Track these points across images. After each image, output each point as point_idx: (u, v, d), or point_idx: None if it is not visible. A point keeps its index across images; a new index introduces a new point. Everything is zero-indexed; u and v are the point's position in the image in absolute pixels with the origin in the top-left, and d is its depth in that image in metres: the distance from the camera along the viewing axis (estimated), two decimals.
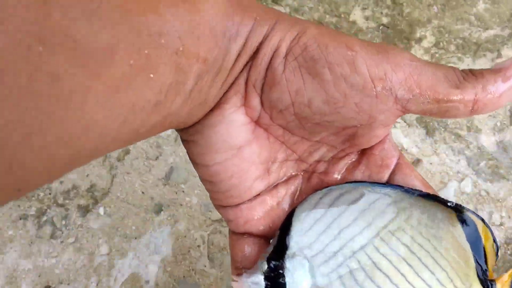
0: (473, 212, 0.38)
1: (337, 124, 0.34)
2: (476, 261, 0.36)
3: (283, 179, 0.38)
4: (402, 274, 0.34)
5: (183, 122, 0.33)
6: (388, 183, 0.39)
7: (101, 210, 0.99)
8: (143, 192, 1.00)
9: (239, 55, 0.32)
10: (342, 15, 1.19)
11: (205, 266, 0.94)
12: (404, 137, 1.07)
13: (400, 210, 0.37)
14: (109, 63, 0.25)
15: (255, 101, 0.34)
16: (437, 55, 1.13)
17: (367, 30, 1.18)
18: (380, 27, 1.17)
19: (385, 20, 1.18)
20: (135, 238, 0.98)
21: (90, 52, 0.24)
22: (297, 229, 0.36)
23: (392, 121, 0.35)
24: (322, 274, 0.35)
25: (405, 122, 1.08)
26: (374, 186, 0.38)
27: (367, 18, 1.18)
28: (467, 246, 0.36)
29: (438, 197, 0.38)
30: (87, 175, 1.02)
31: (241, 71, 0.33)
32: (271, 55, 0.32)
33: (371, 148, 0.38)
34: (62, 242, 0.97)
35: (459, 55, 1.13)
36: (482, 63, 1.13)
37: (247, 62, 0.33)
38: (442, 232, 0.36)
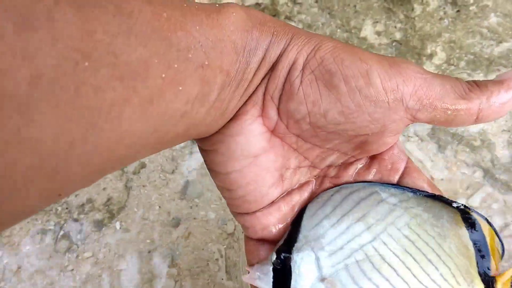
0: (478, 213, 0.40)
1: (350, 132, 0.35)
2: (479, 259, 0.38)
3: (296, 186, 0.40)
4: (407, 268, 0.36)
5: (204, 131, 0.34)
6: (397, 184, 0.41)
7: (117, 225, 0.99)
8: (159, 206, 1.01)
9: (258, 68, 0.34)
10: (353, 30, 1.21)
11: (222, 279, 0.94)
12: (419, 151, 1.08)
13: (407, 209, 0.39)
14: (144, 76, 0.27)
15: (272, 111, 0.35)
16: (447, 71, 1.15)
17: (379, 47, 1.20)
18: (393, 43, 1.19)
19: (397, 35, 1.19)
20: (149, 252, 0.98)
21: (128, 66, 0.26)
22: (307, 223, 0.38)
23: (402, 129, 0.37)
24: (328, 265, 0.37)
25: (417, 136, 1.09)
26: (383, 186, 0.40)
27: (379, 34, 1.20)
28: (470, 245, 0.38)
29: (444, 198, 0.40)
30: (104, 189, 1.03)
31: (260, 83, 0.35)
32: (289, 68, 0.34)
33: (381, 153, 0.40)
34: (77, 256, 0.97)
35: (469, 71, 1.14)
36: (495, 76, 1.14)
37: (266, 75, 0.35)
38: (446, 231, 0.38)
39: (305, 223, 0.38)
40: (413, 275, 0.36)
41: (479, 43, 1.16)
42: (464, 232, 0.39)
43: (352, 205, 0.39)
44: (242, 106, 0.35)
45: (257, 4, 1.19)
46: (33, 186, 0.23)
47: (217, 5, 0.33)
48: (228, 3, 0.34)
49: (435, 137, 1.08)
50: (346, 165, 0.41)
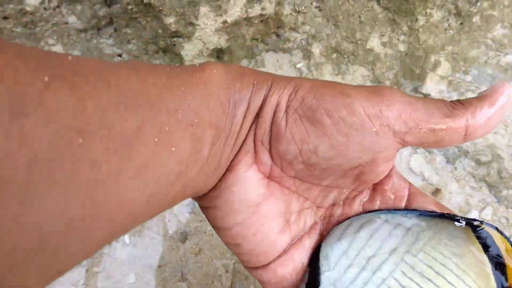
0: (488, 224, 0.40)
1: (344, 166, 0.36)
2: (495, 273, 0.38)
3: (305, 230, 0.40)
4: None
5: (200, 189, 0.34)
6: (406, 209, 0.41)
7: (127, 239, 1.00)
8: (169, 220, 1.02)
9: (244, 117, 0.35)
10: (359, 42, 1.21)
11: None
12: (426, 165, 1.09)
13: (420, 234, 0.39)
14: (137, 144, 0.27)
15: (265, 156, 0.36)
16: (454, 83, 1.15)
17: (385, 59, 1.20)
18: (398, 55, 1.20)
19: (402, 47, 1.20)
20: (160, 267, 0.99)
21: (121, 136, 0.26)
22: (325, 264, 0.38)
23: (394, 155, 0.38)
24: None
25: (426, 150, 1.10)
26: (392, 213, 0.40)
27: (384, 45, 1.21)
28: (486, 260, 0.38)
29: (452, 215, 0.40)
30: None
31: (248, 132, 0.35)
32: (273, 112, 0.35)
33: (381, 184, 0.40)
34: (87, 270, 0.98)
35: (476, 84, 1.15)
36: None
37: (253, 122, 0.35)
38: (461, 249, 0.38)
39: (323, 263, 0.38)
40: None
41: (485, 55, 1.17)
42: (478, 247, 0.39)
43: (367, 238, 0.39)
44: (234, 157, 0.35)
45: (261, 15, 1.19)
46: (33, 266, 0.23)
47: (197, 64, 0.34)
48: (208, 61, 0.35)
49: (443, 149, 1.09)
50: (349, 201, 0.41)
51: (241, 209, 0.36)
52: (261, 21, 1.20)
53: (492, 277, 0.37)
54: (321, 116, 0.33)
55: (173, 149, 0.29)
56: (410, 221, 0.39)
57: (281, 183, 0.37)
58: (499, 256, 0.38)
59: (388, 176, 0.41)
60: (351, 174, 0.37)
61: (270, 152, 0.36)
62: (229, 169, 0.35)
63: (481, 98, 0.35)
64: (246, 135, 0.35)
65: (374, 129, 0.34)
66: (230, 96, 0.33)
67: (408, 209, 0.41)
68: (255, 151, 0.35)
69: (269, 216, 0.37)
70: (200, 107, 0.31)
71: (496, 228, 0.40)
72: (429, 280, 0.37)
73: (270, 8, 1.21)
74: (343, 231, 0.39)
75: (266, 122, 0.35)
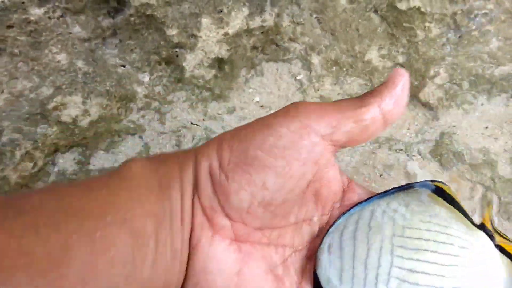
0: (440, 181, 0.43)
1: (297, 190, 0.36)
2: (464, 215, 0.42)
3: (298, 275, 0.39)
4: (431, 262, 0.38)
5: (168, 283, 0.33)
6: (368, 198, 0.43)
7: None
8: None
9: (182, 195, 0.35)
10: (358, 55, 1.24)
11: None
12: (420, 170, 1.10)
13: (393, 213, 0.41)
14: (68, 259, 0.27)
15: (222, 220, 0.36)
16: (450, 92, 1.18)
17: (383, 70, 1.22)
18: (397, 66, 1.22)
19: (400, 59, 1.22)
20: None
21: (47, 258, 0.26)
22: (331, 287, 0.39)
23: (333, 159, 0.38)
24: None
25: (419, 155, 1.12)
26: (360, 206, 0.42)
27: (383, 57, 1.23)
28: (452, 209, 0.41)
29: (410, 184, 0.43)
30: None
31: (193, 206, 0.35)
32: (210, 175, 0.35)
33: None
34: None
35: (473, 92, 1.17)
36: (496, 100, 1.17)
37: (193, 196, 0.35)
38: (433, 208, 0.41)
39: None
40: (440, 265, 0.38)
41: (481, 67, 1.19)
42: (441, 201, 0.42)
43: (352, 244, 0.40)
44: (191, 237, 0.35)
45: (262, 27, 1.22)
46: None
47: (119, 166, 0.35)
48: (126, 160, 0.36)
49: (437, 155, 1.11)
50: (326, 226, 0.42)
51: (223, 282, 0.35)
52: (262, 32, 1.23)
53: (465, 219, 0.41)
54: (254, 153, 0.34)
55: (111, 252, 0.29)
56: (379, 208, 0.41)
57: (252, 241, 0.36)
58: (456, 201, 0.42)
59: (350, 189, 0.42)
60: (309, 198, 0.38)
61: (224, 212, 0.35)
62: (192, 251, 0.35)
63: (384, 83, 0.38)
64: (192, 210, 0.35)
65: (305, 141, 0.35)
66: (159, 182, 0.34)
67: (364, 200, 0.42)
68: (209, 220, 0.35)
69: (256, 279, 0.36)
70: (129, 202, 0.32)
71: (438, 181, 0.43)
72: (426, 250, 0.38)
73: (270, 20, 1.24)
74: (328, 250, 0.40)
75: (207, 188, 0.35)
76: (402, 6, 1.24)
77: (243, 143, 0.34)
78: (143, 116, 1.17)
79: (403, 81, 0.38)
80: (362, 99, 0.38)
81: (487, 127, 1.13)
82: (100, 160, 1.08)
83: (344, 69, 1.24)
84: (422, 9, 1.21)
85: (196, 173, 0.35)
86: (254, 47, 1.25)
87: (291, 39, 1.28)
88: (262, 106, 1.21)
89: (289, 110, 0.36)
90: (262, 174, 0.34)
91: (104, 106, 1.14)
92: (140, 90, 1.19)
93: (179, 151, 0.36)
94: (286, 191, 0.35)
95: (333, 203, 0.40)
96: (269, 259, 0.37)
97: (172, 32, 1.20)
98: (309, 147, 0.35)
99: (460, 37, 1.22)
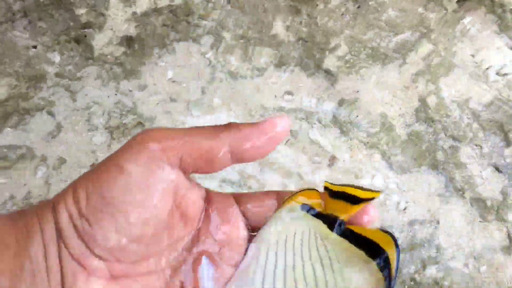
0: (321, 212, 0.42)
1: (163, 217, 0.36)
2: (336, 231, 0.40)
3: None
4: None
5: None
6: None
7: None
8: None
9: (45, 246, 0.34)
10: (264, 30, 1.32)
11: None
12: (320, 136, 1.20)
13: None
14: None
15: (95, 262, 0.35)
16: (349, 61, 1.27)
17: (288, 43, 1.31)
18: (300, 41, 1.31)
19: (304, 31, 1.31)
20: None
21: None
22: None
23: (187, 181, 0.37)
24: None
25: (320, 122, 1.21)
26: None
27: (287, 30, 1.32)
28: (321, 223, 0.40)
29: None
30: (24, 185, 1.10)
31: (61, 256, 0.34)
32: (71, 224, 0.34)
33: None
34: None
35: (370, 61, 1.28)
36: (391, 67, 1.27)
37: (59, 246, 0.34)
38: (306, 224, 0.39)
39: None
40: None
41: (378, 35, 1.30)
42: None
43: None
44: (63, 285, 0.34)
45: (170, 5, 1.29)
46: None
47: None
48: None
49: (338, 123, 1.20)
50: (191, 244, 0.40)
51: None
52: (171, 11, 1.30)
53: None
54: (110, 195, 0.34)
55: None
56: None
57: (131, 274, 0.37)
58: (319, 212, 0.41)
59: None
60: (176, 220, 0.37)
61: (95, 255, 0.35)
62: None
63: (253, 124, 0.36)
64: (60, 260, 0.34)
65: (156, 174, 0.35)
66: (16, 237, 0.33)
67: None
68: (82, 265, 0.34)
69: None
70: None
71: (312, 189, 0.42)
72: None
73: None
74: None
75: (72, 236, 0.34)
76: None
77: (96, 187, 0.34)
78: (53, 94, 1.22)
79: (270, 127, 0.36)
80: (215, 130, 0.36)
81: (384, 93, 1.23)
82: (8, 137, 1.12)
83: (252, 42, 1.32)
84: None
85: (57, 223, 0.34)
86: (165, 26, 1.31)
87: (202, 17, 1.35)
88: (174, 81, 1.28)
89: (134, 144, 0.35)
90: (123, 213, 0.34)
91: (13, 86, 1.19)
92: (51, 70, 1.24)
93: (37, 204, 0.38)
94: (154, 222, 0.35)
95: (199, 218, 0.39)
96: (152, 286, 0.37)
97: (81, 11, 1.25)
98: (162, 178, 0.35)
99: (358, 7, 1.32)
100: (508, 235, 1.05)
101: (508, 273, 1.02)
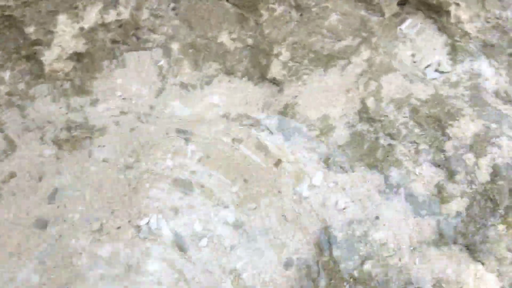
0: None
1: None
2: None
3: None
4: None
5: None
6: None
7: None
8: (27, 213, 1.13)
9: None
10: (212, 39, 1.37)
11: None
12: (267, 142, 1.24)
13: None
14: None
15: None
16: (293, 68, 1.32)
17: (234, 52, 1.36)
18: (247, 47, 1.36)
19: (250, 41, 1.36)
20: (19, 254, 1.09)
21: None
22: None
23: None
24: None
25: (268, 129, 1.26)
26: None
27: (234, 40, 1.36)
28: None
29: None
30: None
31: None
32: None
33: None
34: None
35: (311, 67, 1.32)
36: (333, 71, 1.32)
37: None
38: None
39: None
40: None
41: (321, 41, 1.34)
42: None
43: None
44: None
45: (118, 20, 1.33)
46: None
47: None
48: None
49: (281, 128, 1.25)
50: None
51: None
52: (119, 26, 1.34)
53: None
54: None
55: None
56: None
57: None
58: None
59: None
60: None
61: None
62: None
63: None
64: None
65: None
66: None
67: None
68: None
69: None
70: None
71: None
72: None
73: (126, 13, 1.35)
74: None
75: None
76: None
77: None
78: (4, 113, 1.26)
79: None
80: None
81: (326, 97, 1.28)
82: None
83: (201, 53, 1.37)
84: None
85: None
86: (114, 41, 1.36)
87: (151, 30, 1.39)
88: (124, 98, 1.33)
89: None
90: None
91: None
92: (2, 88, 1.28)
93: None
94: None
95: None
96: None
97: (30, 30, 1.29)
98: None
99: (301, 15, 1.37)
100: (440, 228, 1.09)
101: (440, 265, 1.06)
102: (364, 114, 1.25)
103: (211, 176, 1.20)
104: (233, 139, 1.25)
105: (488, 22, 1.32)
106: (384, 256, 1.08)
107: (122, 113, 1.29)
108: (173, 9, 1.39)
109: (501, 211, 1.07)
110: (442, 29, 1.34)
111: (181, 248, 1.13)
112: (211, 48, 1.36)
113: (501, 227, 1.06)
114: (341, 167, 1.20)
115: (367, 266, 1.07)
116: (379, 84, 1.27)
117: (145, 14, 1.38)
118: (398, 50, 1.34)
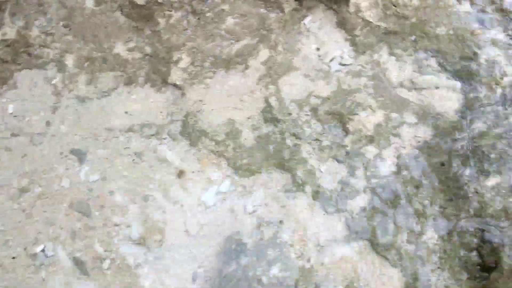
0: None
1: None
2: None
3: None
4: None
5: None
6: None
7: None
8: None
9: None
10: (107, 50, 1.31)
11: None
12: (170, 152, 1.19)
13: None
14: None
15: None
16: (193, 72, 1.28)
17: (133, 61, 1.31)
18: (146, 57, 1.31)
19: (148, 49, 1.31)
20: None
21: None
22: None
23: None
24: None
25: (169, 136, 1.21)
26: None
27: (131, 50, 1.31)
28: None
29: None
30: None
31: None
32: None
33: None
34: None
35: (214, 70, 1.28)
36: (235, 73, 1.28)
37: None
38: None
39: None
40: None
41: (219, 45, 1.31)
42: None
43: None
44: None
45: (4, 40, 1.27)
46: None
47: None
48: None
49: (186, 133, 1.20)
50: None
51: None
52: (7, 46, 1.27)
53: None
54: None
55: None
56: None
57: None
58: None
59: None
60: None
61: None
62: None
63: None
64: None
65: None
66: None
67: None
68: None
69: None
70: None
71: None
72: None
73: (11, 33, 1.28)
74: None
75: None
76: (141, 1, 1.33)
77: None
78: None
79: None
80: None
81: (229, 100, 1.24)
82: None
83: (97, 64, 1.31)
84: (160, 0, 1.31)
85: None
86: (4, 61, 1.29)
87: (43, 46, 1.33)
88: (16, 116, 1.26)
89: None
90: None
91: None
92: None
93: None
94: None
95: None
96: None
97: None
98: None
99: (198, 19, 1.33)
100: (347, 224, 1.07)
101: (348, 263, 1.03)
102: (268, 115, 1.21)
103: (112, 194, 1.15)
104: (134, 153, 1.20)
105: (387, 8, 1.31)
106: (292, 257, 1.05)
107: (14, 135, 1.22)
108: (65, 26, 1.33)
109: (402, 201, 1.05)
110: (343, 22, 1.33)
111: (83, 272, 1.06)
112: (108, 60, 1.31)
113: (400, 218, 1.04)
114: (248, 170, 1.16)
115: (274, 271, 1.04)
116: (279, 83, 1.24)
117: (35, 32, 1.32)
118: (302, 45, 1.31)
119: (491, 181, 1.01)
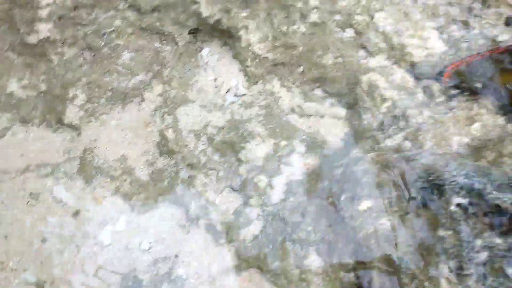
0: None
1: None
2: None
3: None
4: None
5: None
6: None
7: None
8: None
9: None
10: (0, 90, 1.31)
11: None
12: (66, 192, 1.20)
13: None
14: None
15: None
16: (90, 109, 1.29)
17: (27, 99, 1.30)
18: (41, 94, 1.31)
19: (43, 86, 1.31)
20: None
21: None
22: None
23: None
24: None
25: (66, 175, 1.22)
26: None
27: (25, 88, 1.31)
28: None
29: None
30: None
31: None
32: None
33: None
34: None
35: (110, 106, 1.30)
36: (131, 108, 1.31)
37: None
38: None
39: None
40: None
41: (117, 80, 1.32)
42: None
43: None
44: None
45: None
46: None
47: None
48: None
49: (82, 172, 1.22)
50: None
51: None
52: None
53: None
54: None
55: None
56: None
57: None
58: None
59: None
60: None
61: None
62: None
63: None
64: None
65: None
66: None
67: None
68: None
69: None
70: None
71: None
72: None
73: None
74: None
75: None
76: (33, 40, 1.33)
77: None
78: None
79: None
80: None
81: (125, 135, 1.26)
82: None
83: None
84: (51, 38, 1.31)
85: None
86: None
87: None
88: None
89: None
90: None
91: None
92: None
93: None
94: None
95: None
96: None
97: None
98: None
99: (94, 55, 1.34)
100: (237, 253, 1.12)
101: None
102: (164, 147, 1.24)
103: (6, 238, 1.15)
104: (30, 194, 1.21)
105: (276, 40, 1.36)
106: None
107: None
108: None
109: (289, 229, 1.11)
110: (236, 54, 1.36)
111: None
112: (1, 99, 1.30)
113: (288, 244, 1.10)
114: (144, 206, 1.19)
115: None
116: (175, 115, 1.27)
117: None
118: (199, 77, 1.35)
119: (363, 206, 1.08)
